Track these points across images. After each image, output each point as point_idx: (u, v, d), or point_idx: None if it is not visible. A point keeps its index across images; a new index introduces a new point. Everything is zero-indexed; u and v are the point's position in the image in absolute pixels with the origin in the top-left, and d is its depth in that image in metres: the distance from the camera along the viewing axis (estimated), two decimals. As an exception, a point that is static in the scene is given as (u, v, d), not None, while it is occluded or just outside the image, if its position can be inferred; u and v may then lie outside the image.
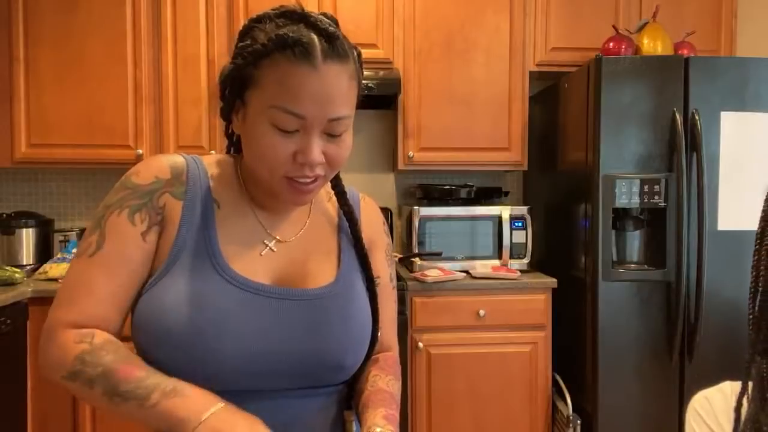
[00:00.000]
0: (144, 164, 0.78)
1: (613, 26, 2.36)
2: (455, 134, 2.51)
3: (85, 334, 0.69)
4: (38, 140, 2.36)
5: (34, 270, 2.38)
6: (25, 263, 2.43)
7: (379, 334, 0.86)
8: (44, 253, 2.51)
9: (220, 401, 0.65)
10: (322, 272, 0.81)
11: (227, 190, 0.81)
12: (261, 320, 0.73)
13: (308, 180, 0.74)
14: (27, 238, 2.45)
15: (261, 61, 0.70)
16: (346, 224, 0.87)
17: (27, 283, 2.17)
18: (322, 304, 0.77)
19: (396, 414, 0.79)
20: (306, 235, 0.83)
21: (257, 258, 0.78)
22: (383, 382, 0.83)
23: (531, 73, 2.56)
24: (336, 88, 0.71)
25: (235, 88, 0.74)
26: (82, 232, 2.53)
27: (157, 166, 0.77)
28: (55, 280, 2.22)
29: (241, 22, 2.39)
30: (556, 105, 2.43)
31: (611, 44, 2.29)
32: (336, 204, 0.89)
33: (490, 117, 2.52)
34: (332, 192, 0.88)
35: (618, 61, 2.04)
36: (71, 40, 2.36)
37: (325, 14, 0.75)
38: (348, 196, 0.88)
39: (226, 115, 0.78)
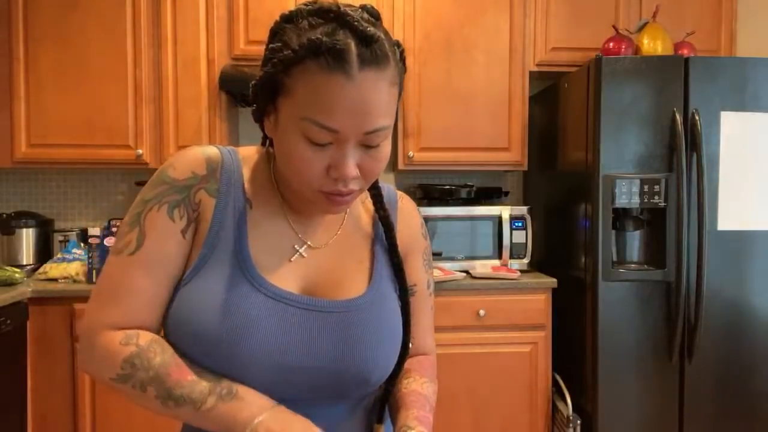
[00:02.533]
0: (180, 157, 0.75)
1: (613, 26, 2.36)
2: (455, 134, 2.51)
3: (130, 335, 0.68)
4: (38, 140, 2.36)
5: (34, 270, 2.38)
6: (25, 263, 2.43)
7: (411, 342, 0.84)
8: (44, 253, 2.51)
9: (274, 403, 0.66)
10: (353, 282, 0.77)
11: (260, 189, 0.77)
12: (286, 331, 0.70)
13: (342, 194, 0.69)
14: (27, 238, 2.45)
15: (292, 69, 0.64)
16: (382, 229, 0.82)
17: (27, 283, 2.17)
18: (349, 318, 0.73)
19: (429, 416, 0.76)
20: (339, 241, 0.80)
21: (287, 264, 0.75)
22: (417, 384, 0.81)
23: (531, 73, 2.56)
24: (374, 97, 0.64)
25: (267, 95, 0.69)
26: (82, 232, 2.54)
27: (194, 159, 0.74)
28: (55, 280, 2.22)
29: (241, 22, 2.42)
30: (556, 105, 2.43)
31: (611, 44, 2.29)
32: (372, 207, 0.83)
33: (490, 117, 2.52)
34: (368, 194, 0.83)
35: (618, 61, 2.04)
36: (71, 40, 2.36)
37: (364, 7, 0.68)
38: (385, 197, 0.83)
39: (258, 118, 0.74)
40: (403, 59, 0.71)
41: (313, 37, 0.62)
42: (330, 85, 0.63)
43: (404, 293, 0.81)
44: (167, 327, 0.71)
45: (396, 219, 0.85)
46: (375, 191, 0.81)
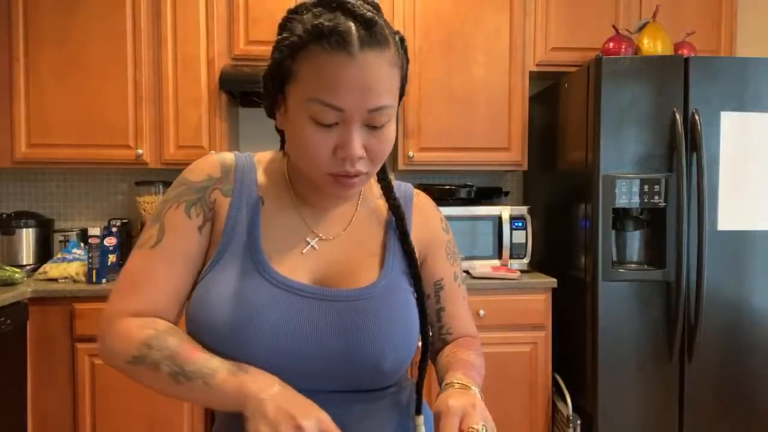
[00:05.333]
0: (198, 162, 0.82)
1: (613, 26, 2.36)
2: (455, 134, 2.51)
3: (149, 320, 0.72)
4: (38, 140, 2.36)
5: (34, 270, 2.38)
6: (25, 263, 2.43)
7: (449, 333, 0.89)
8: (44, 253, 2.51)
9: (280, 381, 0.67)
10: (365, 272, 0.79)
11: (273, 187, 0.82)
12: (294, 319, 0.72)
13: (350, 175, 0.72)
14: (27, 238, 2.45)
15: (298, 54, 0.68)
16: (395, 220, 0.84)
17: (27, 283, 2.17)
18: (358, 305, 0.75)
19: (478, 379, 0.77)
20: (351, 232, 0.82)
21: (298, 256, 0.78)
22: (464, 354, 0.83)
23: (531, 73, 2.56)
24: (375, 76, 0.68)
25: (275, 83, 0.73)
26: (82, 232, 2.54)
27: (210, 164, 0.81)
28: (55, 280, 2.22)
29: (241, 22, 2.42)
30: (556, 105, 2.43)
31: (611, 44, 2.29)
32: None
33: (489, 117, 2.52)
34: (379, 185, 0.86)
35: (618, 61, 2.04)
36: (71, 40, 2.36)
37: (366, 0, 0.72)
38: (399, 192, 0.86)
39: (270, 111, 0.77)
40: (404, 49, 0.74)
41: (316, 23, 0.67)
42: (333, 64, 0.66)
43: (417, 282, 0.82)
44: (186, 320, 0.75)
45: (410, 215, 0.87)
46: (384, 182, 0.84)
